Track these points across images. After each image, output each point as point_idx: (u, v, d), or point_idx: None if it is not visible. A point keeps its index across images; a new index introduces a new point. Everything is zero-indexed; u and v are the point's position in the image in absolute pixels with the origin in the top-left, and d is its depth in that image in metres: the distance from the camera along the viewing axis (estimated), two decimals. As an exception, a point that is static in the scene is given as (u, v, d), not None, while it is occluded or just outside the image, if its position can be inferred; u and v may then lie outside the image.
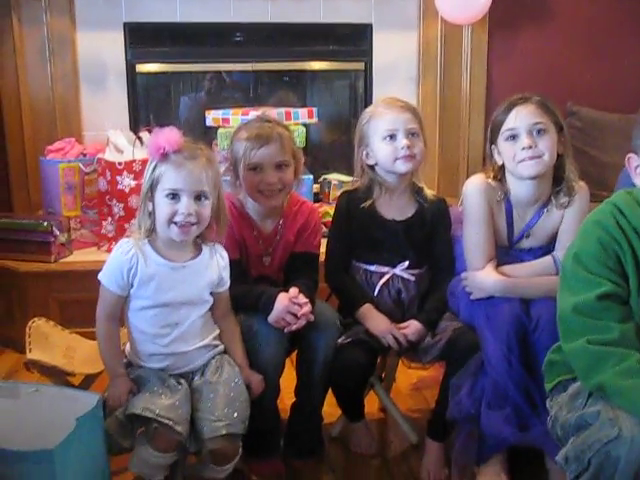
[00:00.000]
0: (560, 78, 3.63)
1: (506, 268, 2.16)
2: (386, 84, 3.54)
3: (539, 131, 2.10)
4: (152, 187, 1.88)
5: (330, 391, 2.24)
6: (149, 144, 1.88)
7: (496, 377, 2.03)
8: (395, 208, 2.27)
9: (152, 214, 1.89)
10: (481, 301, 2.14)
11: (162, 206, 1.87)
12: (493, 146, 2.19)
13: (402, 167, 2.21)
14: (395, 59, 3.54)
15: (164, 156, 1.85)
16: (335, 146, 3.68)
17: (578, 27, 3.68)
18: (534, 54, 3.65)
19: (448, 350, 2.14)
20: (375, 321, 2.19)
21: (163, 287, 1.90)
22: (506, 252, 2.22)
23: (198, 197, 1.87)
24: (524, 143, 2.09)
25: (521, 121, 2.11)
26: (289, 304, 2.04)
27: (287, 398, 2.27)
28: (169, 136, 1.84)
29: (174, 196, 1.85)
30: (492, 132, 2.18)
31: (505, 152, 2.15)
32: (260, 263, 2.23)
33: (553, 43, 3.66)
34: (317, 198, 3.35)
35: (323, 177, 3.43)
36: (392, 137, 2.19)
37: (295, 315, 2.05)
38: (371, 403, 2.49)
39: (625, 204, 1.69)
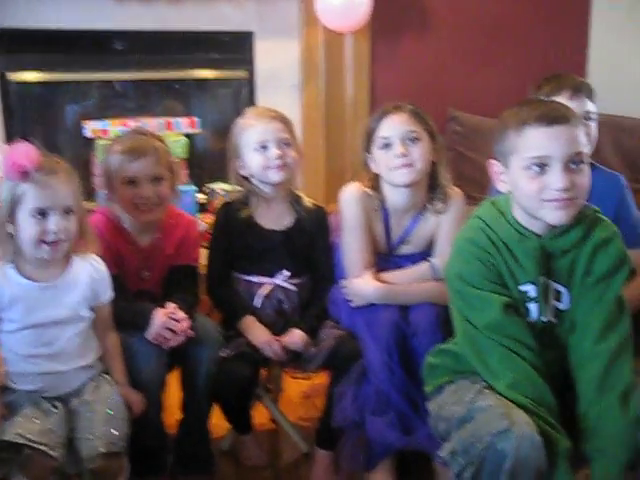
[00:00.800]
0: (442, 84, 3.69)
1: (385, 275, 2.18)
2: (270, 92, 3.52)
3: (412, 139, 2.14)
4: (12, 208, 1.80)
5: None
6: (4, 163, 1.79)
7: (378, 384, 2.05)
8: (273, 218, 2.27)
9: (14, 236, 1.82)
10: (361, 308, 2.16)
11: (28, 226, 1.80)
12: (367, 154, 2.20)
13: (275, 177, 2.21)
14: (278, 67, 3.52)
15: (25, 175, 1.78)
16: (221, 155, 3.61)
17: (458, 34, 3.74)
18: (416, 60, 3.70)
19: (331, 358, 2.15)
20: (256, 333, 2.18)
21: (32, 308, 1.83)
22: (385, 259, 2.24)
23: (66, 212, 1.81)
24: (397, 151, 2.12)
25: (394, 129, 2.14)
26: (166, 320, 2.01)
27: (177, 414, 2.23)
28: (27, 153, 1.77)
29: (42, 215, 1.79)
30: (366, 140, 2.20)
31: (379, 160, 2.17)
32: (139, 278, 2.19)
33: (434, 50, 3.72)
34: (203, 208, 3.31)
35: (209, 187, 3.39)
36: (264, 147, 2.19)
37: (173, 331, 2.01)
38: (262, 414, 2.47)
39: (491, 217, 1.74)
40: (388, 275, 2.18)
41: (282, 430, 2.49)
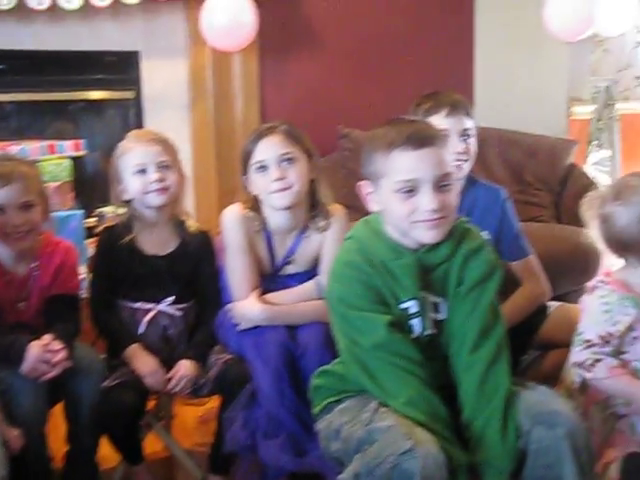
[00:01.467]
0: (332, 101, 3.70)
1: (270, 296, 2.17)
2: (158, 112, 3.47)
3: (288, 161, 2.13)
4: None
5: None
6: None
7: (269, 406, 2.02)
8: (156, 243, 2.23)
9: None
10: (248, 331, 2.13)
11: None
12: (245, 177, 2.19)
13: (155, 200, 2.18)
14: (165, 87, 3.47)
15: None
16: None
17: (346, 51, 3.76)
18: (306, 78, 3.70)
19: (219, 383, 2.12)
20: (140, 361, 2.13)
21: None
22: (271, 279, 2.23)
23: None
24: (274, 175, 2.11)
25: (269, 152, 2.13)
26: (41, 353, 1.94)
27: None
28: None
29: None
30: (243, 163, 2.18)
31: (256, 184, 2.16)
32: (15, 309, 2.10)
33: (324, 67, 3.73)
34: (92, 233, 3.22)
35: (98, 211, 3.31)
36: (142, 171, 2.15)
37: (50, 363, 1.95)
38: (154, 442, 2.40)
39: (365, 237, 1.75)
40: (274, 296, 2.17)
41: (176, 458, 2.43)
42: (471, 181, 2.37)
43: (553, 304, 2.43)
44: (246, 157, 2.17)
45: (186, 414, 2.65)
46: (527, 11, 3.65)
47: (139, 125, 3.46)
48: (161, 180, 2.15)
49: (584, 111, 4.02)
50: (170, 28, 3.45)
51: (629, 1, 3.61)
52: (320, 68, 3.73)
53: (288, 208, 2.16)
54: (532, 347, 2.41)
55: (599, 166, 4.03)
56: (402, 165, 1.64)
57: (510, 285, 2.38)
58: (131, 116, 3.52)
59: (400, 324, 1.70)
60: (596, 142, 4.13)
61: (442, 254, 1.71)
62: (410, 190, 1.64)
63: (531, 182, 3.46)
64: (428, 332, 1.73)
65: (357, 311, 1.69)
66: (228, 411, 2.07)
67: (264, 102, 3.65)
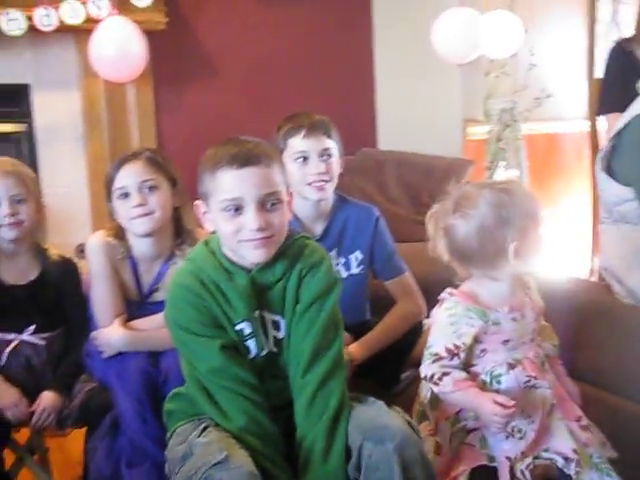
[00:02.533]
0: (229, 128, 3.63)
1: (134, 322, 2.15)
2: (52, 145, 3.45)
3: (150, 188, 2.12)
4: None
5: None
6: None
7: (132, 434, 1.99)
8: (16, 272, 2.21)
9: None
10: (112, 359, 2.11)
11: None
12: (110, 204, 2.17)
13: (7, 234, 2.17)
14: (59, 119, 3.46)
15: None
16: None
17: (243, 79, 3.78)
18: (203, 106, 3.71)
19: (83, 413, 2.09)
20: (1, 394, 2.08)
21: None
22: (139, 307, 2.20)
23: None
24: (134, 201, 2.11)
25: (130, 179, 2.12)
26: None
27: None
28: None
29: None
30: (107, 190, 2.17)
31: (119, 210, 2.15)
32: None
33: (220, 95, 3.74)
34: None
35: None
36: None
37: None
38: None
39: (202, 258, 1.74)
40: (138, 322, 2.15)
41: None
42: (341, 201, 2.37)
43: (429, 321, 2.43)
44: (109, 183, 2.15)
45: (73, 446, 2.58)
46: (419, 35, 3.71)
47: (32, 158, 3.43)
48: (13, 214, 2.13)
49: (480, 131, 4.08)
50: (61, 60, 3.45)
51: (513, 24, 3.69)
52: (216, 96, 3.75)
53: (149, 235, 2.15)
54: (410, 366, 2.41)
55: (507, 186, 4.07)
56: (226, 184, 1.64)
57: (385, 305, 2.39)
58: (24, 149, 3.50)
59: (235, 346, 1.69)
60: (504, 163, 4.21)
61: (277, 272, 1.71)
62: (235, 209, 1.64)
63: (427, 203, 3.42)
64: (265, 352, 1.72)
65: (192, 335, 1.68)
66: (91, 441, 2.04)
67: (161, 132, 3.66)
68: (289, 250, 1.73)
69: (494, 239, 1.74)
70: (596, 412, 1.90)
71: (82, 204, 3.46)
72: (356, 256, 2.34)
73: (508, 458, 1.74)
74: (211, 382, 1.66)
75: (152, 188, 2.12)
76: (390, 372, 2.37)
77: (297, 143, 2.22)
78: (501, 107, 4.20)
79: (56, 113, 3.47)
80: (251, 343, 1.71)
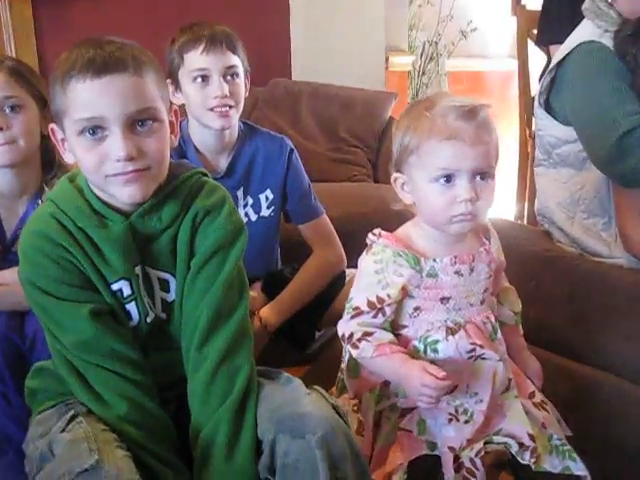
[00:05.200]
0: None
1: None
2: None
3: (12, 107, 1.71)
4: None
5: None
6: None
7: None
8: None
9: None
10: (-36, 321, 1.70)
11: None
12: None
13: None
14: None
15: None
16: None
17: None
18: (93, 25, 3.24)
19: None
20: None
21: None
22: (3, 258, 1.79)
23: None
24: None
25: None
26: None
27: None
28: None
29: None
30: None
31: None
32: None
33: (113, 12, 3.29)
34: None
35: None
36: None
37: None
38: None
39: (65, 198, 1.34)
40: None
41: None
42: (249, 130, 2.02)
43: (351, 271, 2.11)
44: None
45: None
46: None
47: None
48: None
49: (403, 62, 3.75)
50: None
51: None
52: (109, 13, 3.30)
53: (10, 167, 1.74)
54: (329, 322, 2.09)
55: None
56: (80, 99, 1.24)
57: (298, 253, 2.07)
58: None
59: (112, 311, 1.33)
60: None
61: (165, 218, 1.34)
62: (94, 132, 1.25)
63: (346, 138, 3.16)
64: (150, 318, 1.36)
65: (52, 298, 1.31)
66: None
67: (42, 52, 3.19)
68: (180, 189, 1.35)
69: None
70: (549, 377, 1.61)
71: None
72: (266, 196, 2.00)
73: (451, 448, 1.42)
74: (80, 359, 1.30)
75: (15, 108, 1.72)
76: (304, 330, 2.06)
77: (196, 59, 1.84)
78: (425, 39, 3.91)
79: None
80: (132, 307, 1.35)
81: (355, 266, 2.12)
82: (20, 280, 1.35)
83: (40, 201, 1.78)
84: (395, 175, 1.45)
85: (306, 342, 2.09)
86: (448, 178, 1.37)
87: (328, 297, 2.03)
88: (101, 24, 3.26)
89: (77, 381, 1.31)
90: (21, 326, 1.69)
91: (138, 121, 1.25)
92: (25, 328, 1.68)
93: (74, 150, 1.29)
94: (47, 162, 1.81)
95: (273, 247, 2.10)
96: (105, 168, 1.25)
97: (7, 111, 1.70)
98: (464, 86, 4.23)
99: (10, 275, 1.74)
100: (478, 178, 1.38)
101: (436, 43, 4.02)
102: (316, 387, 1.35)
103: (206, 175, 1.43)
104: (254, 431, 1.28)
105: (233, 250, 1.37)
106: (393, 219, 2.64)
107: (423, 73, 3.89)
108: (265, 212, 2.00)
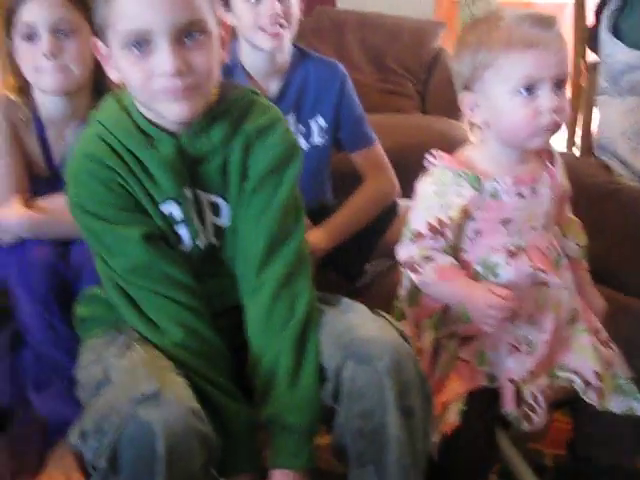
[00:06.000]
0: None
1: (41, 201, 1.70)
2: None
3: (66, 32, 1.63)
4: None
5: None
6: None
7: (38, 348, 1.61)
8: None
9: None
10: (14, 248, 1.66)
11: None
12: (9, 40, 1.67)
13: None
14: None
15: None
16: None
17: None
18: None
19: None
20: None
21: None
22: (49, 183, 1.74)
23: None
24: (44, 47, 1.62)
25: (40, 14, 1.62)
26: None
27: None
28: None
29: None
30: (6, 23, 1.66)
31: (23, 56, 1.66)
32: None
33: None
34: None
35: None
36: None
37: None
38: None
39: (112, 118, 1.28)
40: (44, 201, 1.70)
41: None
42: (301, 54, 1.94)
43: (405, 202, 2.05)
44: (10, 15, 1.65)
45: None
46: None
47: None
48: None
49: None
50: None
51: None
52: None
53: (63, 94, 1.68)
54: (380, 254, 2.04)
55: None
56: (126, 9, 1.17)
57: (349, 185, 2.00)
58: None
59: (163, 235, 1.28)
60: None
61: (215, 138, 1.27)
62: (141, 45, 1.18)
63: (393, 69, 3.09)
64: (202, 243, 1.32)
65: (102, 222, 1.26)
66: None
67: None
68: (231, 109, 1.29)
69: None
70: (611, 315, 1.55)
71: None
72: (318, 122, 1.93)
73: (512, 381, 1.38)
74: (132, 284, 1.26)
75: (69, 33, 1.64)
76: (354, 261, 2.01)
77: None
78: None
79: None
80: (183, 231, 1.29)
81: (407, 197, 2.08)
82: (68, 204, 1.31)
83: (87, 127, 1.74)
84: (463, 94, 1.40)
85: (355, 274, 2.04)
86: (530, 89, 1.33)
87: (380, 227, 1.98)
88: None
89: (129, 308, 1.27)
90: (66, 255, 1.66)
91: (186, 34, 1.18)
92: (71, 257, 1.65)
93: (119, 65, 1.22)
94: (98, 88, 1.74)
95: (324, 178, 2.03)
96: (152, 84, 1.19)
97: (61, 35, 1.63)
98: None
99: (56, 202, 1.71)
100: (557, 88, 1.33)
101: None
102: (381, 312, 1.31)
103: (258, 94, 1.36)
104: (317, 357, 1.25)
105: (288, 171, 1.31)
106: (444, 149, 2.58)
107: (473, 3, 3.73)
108: (317, 140, 1.93)
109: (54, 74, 1.64)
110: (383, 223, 1.98)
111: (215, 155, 1.28)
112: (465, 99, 1.40)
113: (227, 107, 1.28)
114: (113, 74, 1.27)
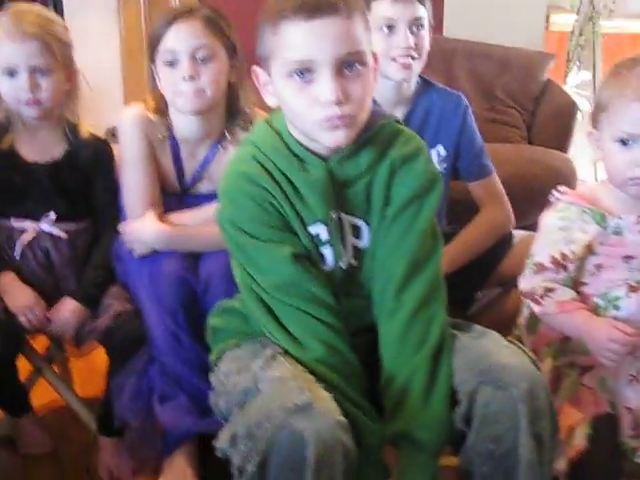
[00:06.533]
0: None
1: (173, 216, 1.78)
2: (81, 15, 3.03)
3: (204, 58, 1.72)
4: None
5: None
6: None
7: (164, 360, 1.68)
8: (39, 148, 1.81)
9: None
10: (144, 260, 1.75)
11: None
12: (153, 66, 1.77)
13: (28, 112, 1.76)
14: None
15: None
16: None
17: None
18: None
19: (106, 340, 1.75)
20: (14, 294, 1.74)
21: None
22: (179, 199, 1.84)
23: None
24: (184, 71, 1.70)
25: (182, 42, 1.71)
26: None
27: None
28: None
29: None
30: (150, 50, 1.76)
31: (163, 79, 1.75)
32: None
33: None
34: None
35: None
36: (12, 75, 1.71)
37: None
38: (47, 390, 2.03)
39: (266, 140, 1.35)
40: (177, 215, 1.78)
41: (70, 410, 2.04)
42: (425, 85, 1.99)
43: (519, 233, 2.07)
44: (154, 43, 1.74)
45: (94, 357, 2.27)
46: None
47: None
48: (33, 89, 1.71)
49: (564, 21, 3.60)
50: None
51: None
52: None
53: (197, 114, 1.76)
54: (492, 283, 2.06)
55: (579, 90, 3.63)
56: (292, 40, 1.23)
57: (468, 210, 2.03)
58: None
59: (309, 255, 1.33)
60: (577, 62, 3.76)
61: (362, 164, 1.33)
62: (304, 74, 1.24)
63: (502, 99, 3.09)
64: (344, 264, 1.36)
65: (253, 239, 1.32)
66: (117, 377, 1.72)
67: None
68: (377, 137, 1.34)
69: None
70: None
71: (114, 82, 3.06)
72: (438, 151, 1.97)
73: (629, 409, 1.42)
74: (278, 301, 1.31)
75: (207, 59, 1.72)
76: (466, 290, 2.03)
77: (384, 7, 1.82)
78: (586, -5, 3.70)
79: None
80: (327, 252, 1.35)
81: (521, 227, 2.09)
82: (220, 222, 1.37)
83: (221, 146, 1.81)
84: (589, 130, 1.46)
85: (467, 302, 2.06)
86: (627, 140, 1.37)
87: (494, 257, 2.00)
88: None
89: (272, 322, 1.32)
90: (195, 268, 1.73)
91: (346, 64, 1.24)
92: (200, 270, 1.72)
93: (281, 93, 1.28)
94: (231, 109, 1.82)
95: (442, 205, 2.06)
96: (313, 112, 1.25)
97: (199, 61, 1.71)
98: (621, 50, 4.03)
99: (188, 218, 1.78)
100: None
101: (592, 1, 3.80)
102: (513, 339, 1.34)
103: (401, 123, 1.41)
104: (449, 379, 1.28)
105: (429, 199, 1.35)
106: (551, 181, 2.59)
107: (580, 34, 3.71)
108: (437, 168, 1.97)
109: (191, 96, 1.72)
110: (497, 253, 2.00)
111: (361, 180, 1.34)
112: (589, 134, 1.46)
113: (374, 134, 1.34)
114: (270, 100, 1.34)
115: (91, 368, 2.21)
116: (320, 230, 1.33)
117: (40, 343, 1.97)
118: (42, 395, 2.02)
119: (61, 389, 2.01)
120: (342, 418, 1.18)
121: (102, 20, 3.09)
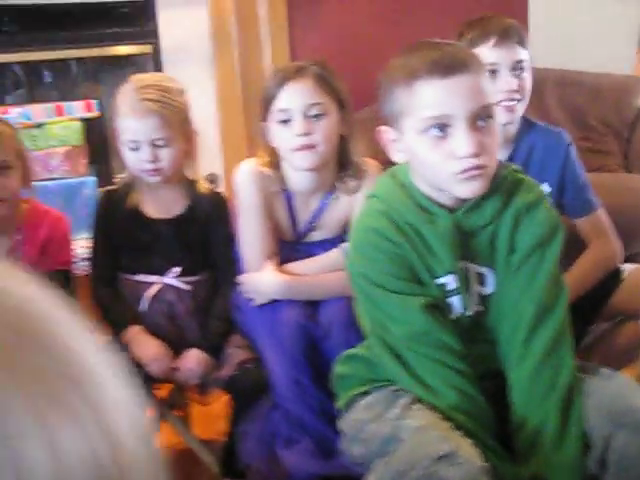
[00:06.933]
0: (371, 45, 3.31)
1: (290, 266, 1.84)
2: (179, 67, 3.14)
3: (317, 115, 1.78)
4: None
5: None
6: None
7: (287, 406, 1.72)
8: (162, 205, 1.91)
9: None
10: (263, 309, 1.81)
11: None
12: (265, 124, 1.85)
13: (150, 179, 1.86)
14: (185, 39, 3.15)
15: None
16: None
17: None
18: (341, 20, 3.33)
19: (231, 387, 1.83)
20: (142, 346, 1.83)
21: None
22: (294, 248, 1.90)
23: None
24: (298, 129, 1.76)
25: (295, 101, 1.77)
26: None
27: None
28: None
29: None
30: (263, 108, 1.84)
31: (278, 137, 1.81)
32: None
33: (360, 6, 3.37)
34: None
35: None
36: (136, 148, 1.82)
37: None
38: (170, 434, 2.12)
39: (391, 194, 1.41)
40: (293, 265, 1.85)
41: (190, 452, 2.13)
42: (527, 124, 2.01)
43: (628, 267, 2.06)
44: (267, 102, 1.81)
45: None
46: None
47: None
48: (154, 160, 1.81)
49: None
50: (187, -27, 3.13)
51: None
52: (356, 7, 3.36)
53: (312, 170, 1.82)
54: (604, 317, 2.06)
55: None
56: (428, 98, 1.29)
57: (575, 247, 2.03)
58: (149, 72, 3.21)
59: (437, 305, 1.37)
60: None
61: (487, 214, 1.38)
62: (440, 129, 1.30)
63: (595, 126, 3.07)
64: (471, 312, 1.40)
65: (385, 291, 1.37)
66: (240, 424, 1.79)
67: (294, 51, 3.30)
68: (501, 186, 1.38)
69: None
70: None
71: (211, 131, 3.16)
72: (543, 189, 1.98)
73: None
74: (409, 349, 1.36)
75: (319, 115, 1.78)
76: (579, 325, 2.02)
77: (485, 53, 1.85)
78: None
79: (183, 32, 3.16)
80: (455, 301, 1.39)
81: (626, 261, 2.09)
82: (351, 274, 1.43)
83: (333, 196, 1.87)
84: None
85: (578, 336, 2.06)
86: None
87: (604, 292, 2.00)
88: (350, 15, 3.34)
89: (403, 370, 1.36)
90: (314, 315, 1.78)
91: (479, 118, 1.30)
92: (319, 317, 1.77)
93: (413, 148, 1.34)
94: (342, 160, 1.87)
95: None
96: (449, 165, 1.30)
97: (312, 118, 1.76)
98: None
99: (305, 267, 1.84)
100: None
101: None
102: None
103: (521, 172, 1.44)
104: (581, 422, 1.30)
105: (552, 245, 1.39)
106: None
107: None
108: (543, 205, 1.99)
109: (305, 153, 1.78)
110: (606, 287, 2.00)
111: (486, 229, 1.38)
112: None
113: (498, 184, 1.38)
114: (397, 156, 1.40)
115: (208, 412, 2.30)
116: (448, 280, 1.38)
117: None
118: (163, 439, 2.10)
119: (183, 432, 2.10)
120: (485, 464, 1.21)
121: (198, 70, 3.20)
